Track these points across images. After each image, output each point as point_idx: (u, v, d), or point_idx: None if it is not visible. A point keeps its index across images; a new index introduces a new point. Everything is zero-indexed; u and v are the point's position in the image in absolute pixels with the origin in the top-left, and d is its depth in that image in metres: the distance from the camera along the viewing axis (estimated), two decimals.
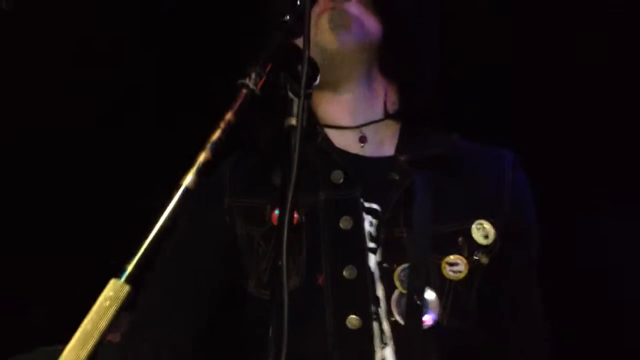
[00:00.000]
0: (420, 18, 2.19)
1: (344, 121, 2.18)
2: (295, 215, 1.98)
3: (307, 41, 1.59)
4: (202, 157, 1.51)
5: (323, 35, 2.05)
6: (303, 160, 1.58)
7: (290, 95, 1.73)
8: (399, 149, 2.16)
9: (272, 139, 2.04)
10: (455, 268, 2.05)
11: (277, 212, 2.03)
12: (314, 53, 1.74)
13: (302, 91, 1.54)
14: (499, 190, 2.13)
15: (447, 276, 2.04)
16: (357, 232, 2.05)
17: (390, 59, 2.16)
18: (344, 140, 2.17)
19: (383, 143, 2.18)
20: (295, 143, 1.55)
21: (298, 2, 1.75)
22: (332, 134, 2.18)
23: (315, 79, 1.71)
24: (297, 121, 1.59)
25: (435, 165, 2.12)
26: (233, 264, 2.11)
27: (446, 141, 2.18)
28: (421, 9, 2.20)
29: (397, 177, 2.09)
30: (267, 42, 1.70)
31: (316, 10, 2.04)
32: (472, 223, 2.08)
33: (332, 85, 2.15)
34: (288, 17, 1.73)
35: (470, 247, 2.07)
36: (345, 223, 2.06)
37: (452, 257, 2.04)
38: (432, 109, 2.20)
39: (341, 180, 2.10)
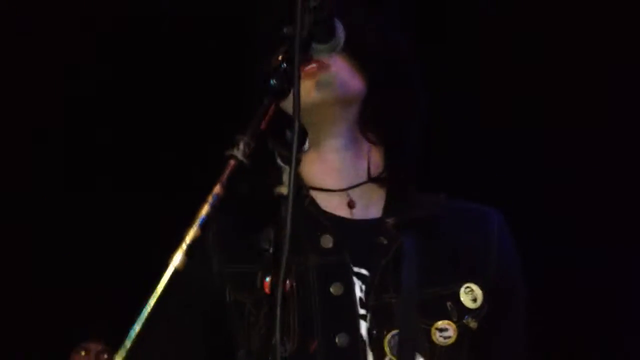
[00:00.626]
0: (405, 78, 2.19)
1: (330, 183, 2.16)
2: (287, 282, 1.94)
3: (297, 109, 1.52)
4: (190, 235, 1.44)
5: (304, 89, 2.00)
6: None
7: (279, 162, 1.69)
8: (385, 211, 2.16)
9: (259, 205, 1.98)
10: (444, 334, 2.06)
11: (268, 279, 2.00)
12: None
13: (293, 161, 1.47)
14: (486, 252, 2.14)
15: (436, 342, 2.05)
16: (348, 298, 2.05)
17: (372, 120, 2.16)
18: (330, 203, 2.15)
19: (370, 205, 2.17)
20: (287, 214, 1.48)
21: (283, 65, 1.71)
22: (318, 196, 2.17)
23: (304, 144, 1.66)
24: (287, 190, 1.53)
25: (423, 228, 2.12)
26: (221, 331, 2.09)
27: (433, 202, 2.18)
28: (407, 69, 2.19)
29: (385, 242, 2.10)
30: (254, 108, 1.65)
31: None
32: (460, 287, 2.09)
33: (316, 144, 2.12)
34: (273, 80, 1.67)
35: (459, 312, 2.08)
36: (336, 289, 2.06)
37: (440, 322, 2.06)
38: (416, 170, 2.20)
39: (330, 245, 2.09)
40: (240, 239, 2.14)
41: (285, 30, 1.79)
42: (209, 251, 2.15)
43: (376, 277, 2.07)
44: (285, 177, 1.63)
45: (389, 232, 2.11)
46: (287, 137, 1.67)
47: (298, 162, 1.63)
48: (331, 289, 2.06)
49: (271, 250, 2.00)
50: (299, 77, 1.62)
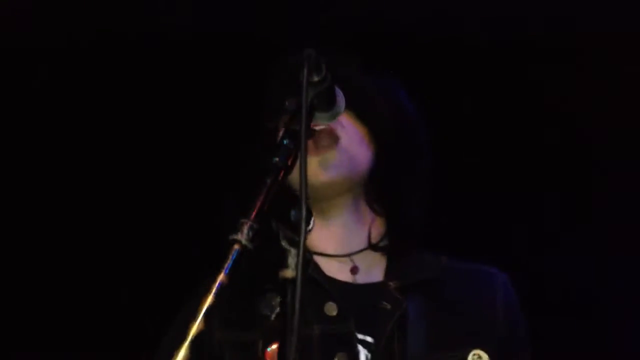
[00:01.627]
0: (414, 145, 2.16)
1: (333, 249, 2.14)
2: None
3: (304, 196, 1.48)
4: (195, 328, 1.40)
5: (310, 169, 1.97)
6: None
7: (284, 244, 1.65)
8: (388, 274, 2.14)
9: (260, 274, 1.95)
10: None
11: (269, 349, 1.98)
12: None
13: (300, 255, 1.42)
14: (492, 315, 2.13)
15: None
16: None
17: (377, 193, 2.15)
18: (333, 268, 2.14)
19: (372, 268, 2.15)
20: (295, 301, 1.44)
21: (285, 142, 1.68)
22: (321, 262, 2.15)
23: (309, 224, 1.63)
24: (294, 273, 1.49)
25: (426, 291, 2.10)
26: None
27: (435, 264, 2.16)
28: (415, 136, 2.17)
29: (388, 307, 2.07)
30: (257, 189, 1.61)
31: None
32: (468, 353, 2.06)
33: (320, 214, 2.11)
34: (277, 159, 1.64)
35: None
36: (341, 358, 2.02)
37: None
38: (419, 236, 2.18)
39: (335, 313, 2.06)
40: (239, 306, 2.09)
41: (287, 103, 1.77)
42: (209, 319, 2.11)
43: (381, 344, 2.04)
44: (290, 260, 1.60)
45: (392, 296, 2.08)
46: (292, 217, 1.63)
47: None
48: (336, 358, 2.02)
49: (273, 317, 1.96)
50: (306, 156, 1.58)
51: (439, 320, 2.07)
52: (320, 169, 2.04)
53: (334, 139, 2.06)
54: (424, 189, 2.19)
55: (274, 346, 1.98)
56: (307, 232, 1.60)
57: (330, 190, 2.07)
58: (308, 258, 2.12)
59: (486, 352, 2.06)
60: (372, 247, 2.15)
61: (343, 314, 2.06)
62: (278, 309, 1.96)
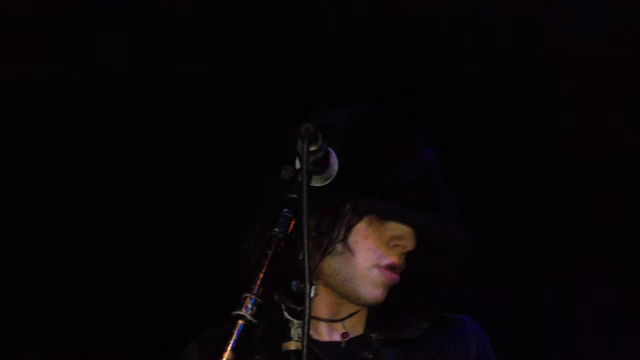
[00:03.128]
0: None
1: (325, 314, 2.10)
2: None
3: (307, 267, 1.48)
4: None
5: None
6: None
7: (286, 315, 1.64)
8: (368, 327, 2.12)
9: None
10: None
11: None
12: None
13: (306, 324, 1.42)
14: None
15: None
16: None
17: None
18: (322, 330, 2.11)
19: (354, 323, 2.13)
20: None
21: (284, 211, 1.68)
22: (312, 324, 2.10)
23: (311, 292, 1.62)
24: (297, 345, 1.49)
25: (405, 345, 2.09)
26: None
27: (414, 325, 2.14)
28: None
29: (370, 356, 2.05)
30: (258, 260, 1.60)
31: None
32: None
33: (315, 281, 2.06)
34: (277, 229, 1.64)
35: None
36: None
37: None
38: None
39: None
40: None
41: (283, 173, 1.77)
42: None
43: None
44: (293, 332, 1.59)
45: (373, 347, 2.08)
46: (294, 287, 1.63)
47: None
48: None
49: None
50: (307, 227, 1.58)
51: None
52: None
53: None
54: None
55: None
56: (310, 300, 1.60)
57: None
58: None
59: None
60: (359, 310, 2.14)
61: None
62: None
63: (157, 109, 3.90)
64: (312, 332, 2.08)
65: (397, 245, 2.04)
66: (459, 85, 3.73)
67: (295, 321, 1.65)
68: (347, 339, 2.11)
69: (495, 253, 3.54)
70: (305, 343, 1.53)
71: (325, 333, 2.11)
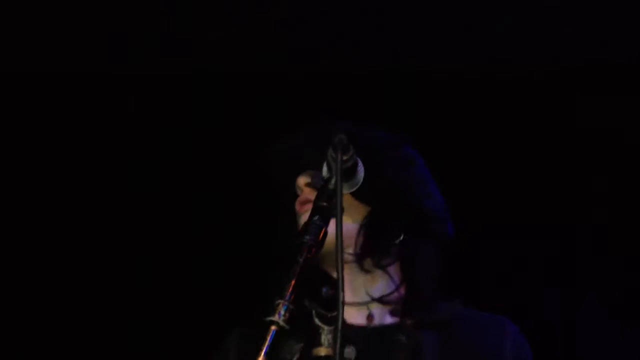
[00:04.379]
0: (422, 218, 2.18)
1: (351, 297, 2.13)
2: None
3: (341, 278, 1.51)
4: None
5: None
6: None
7: (317, 321, 1.66)
8: (403, 315, 2.14)
9: None
10: None
11: None
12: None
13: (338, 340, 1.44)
14: (503, 356, 2.13)
15: None
16: None
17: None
18: (349, 314, 2.11)
19: (387, 312, 2.15)
20: None
21: (315, 219, 1.71)
22: None
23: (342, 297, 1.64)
24: (328, 351, 1.51)
25: (440, 331, 2.12)
26: None
27: (449, 308, 2.17)
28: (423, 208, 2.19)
29: (404, 340, 2.08)
30: (289, 268, 1.64)
31: None
32: None
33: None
34: (308, 237, 1.67)
35: None
36: None
37: None
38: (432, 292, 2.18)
39: (353, 357, 2.04)
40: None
41: (311, 180, 1.79)
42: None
43: None
44: (323, 338, 1.61)
45: (408, 331, 2.10)
46: (324, 294, 1.65)
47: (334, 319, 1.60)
48: None
49: None
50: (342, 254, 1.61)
51: (453, 353, 2.10)
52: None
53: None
54: (437, 253, 2.21)
55: None
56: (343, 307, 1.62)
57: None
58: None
59: None
60: (385, 298, 2.15)
61: (361, 357, 2.06)
62: None
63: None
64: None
65: None
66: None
67: (326, 327, 1.67)
68: (373, 320, 2.14)
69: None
70: (337, 350, 1.56)
71: (354, 317, 2.11)
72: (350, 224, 2.09)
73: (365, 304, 2.12)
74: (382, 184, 2.13)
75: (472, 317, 2.19)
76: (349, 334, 2.06)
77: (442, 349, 2.08)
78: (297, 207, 2.12)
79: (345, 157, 1.78)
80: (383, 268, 2.19)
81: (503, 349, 2.15)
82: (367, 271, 2.13)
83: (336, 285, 1.61)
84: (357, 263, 2.11)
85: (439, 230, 2.24)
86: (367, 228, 2.13)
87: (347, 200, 2.06)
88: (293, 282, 1.63)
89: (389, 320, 2.14)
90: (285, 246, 1.97)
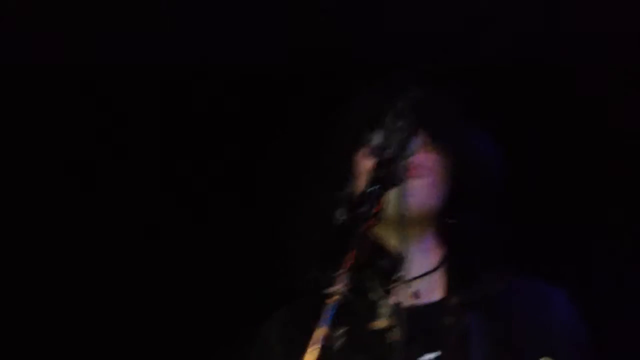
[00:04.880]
0: (486, 185, 2.14)
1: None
2: None
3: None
4: None
5: (397, 202, 1.98)
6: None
7: (372, 295, 1.62)
8: (449, 292, 2.12)
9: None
10: None
11: None
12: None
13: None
14: (551, 330, 2.11)
15: None
16: None
17: (446, 225, 2.13)
18: (398, 290, 2.09)
19: (432, 288, 2.12)
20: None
21: (374, 188, 1.69)
22: None
23: (400, 270, 1.62)
24: (387, 322, 1.49)
25: (487, 307, 2.09)
26: None
27: (496, 280, 2.14)
28: (489, 176, 2.15)
29: (451, 322, 2.06)
30: (350, 239, 1.62)
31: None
32: None
33: (386, 239, 2.06)
34: (366, 206, 1.65)
35: None
36: None
37: None
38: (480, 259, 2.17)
39: (398, 337, 2.01)
40: (303, 333, 2.11)
41: (372, 150, 1.77)
42: (273, 347, 2.11)
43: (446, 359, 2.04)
44: (382, 311, 1.59)
45: (454, 312, 2.08)
46: (384, 265, 1.62)
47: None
48: None
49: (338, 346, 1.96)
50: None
51: (501, 334, 2.07)
52: (406, 200, 2.03)
53: (423, 170, 2.06)
54: (493, 219, 2.17)
55: None
56: (400, 279, 1.60)
57: (413, 220, 2.05)
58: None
59: None
60: (432, 271, 2.13)
61: (407, 337, 2.03)
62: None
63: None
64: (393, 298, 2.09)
65: None
66: None
67: (382, 301, 1.63)
68: (419, 297, 2.11)
69: None
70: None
71: (402, 295, 2.08)
72: (422, 193, 2.08)
73: (414, 279, 2.11)
74: (462, 155, 2.11)
75: (522, 290, 2.16)
76: (396, 311, 2.04)
77: (490, 330, 2.06)
78: (360, 173, 2.08)
79: (406, 124, 1.75)
80: (439, 242, 2.17)
81: (553, 317, 2.13)
82: (422, 244, 2.12)
83: (393, 259, 1.59)
84: (417, 236, 2.10)
85: (496, 205, 2.23)
86: (436, 200, 2.09)
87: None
88: (353, 253, 1.61)
89: (434, 297, 2.12)
90: (343, 218, 1.95)
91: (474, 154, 2.14)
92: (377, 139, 1.89)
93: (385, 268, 1.59)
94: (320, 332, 1.52)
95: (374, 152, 1.80)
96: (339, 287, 1.55)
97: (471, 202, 2.12)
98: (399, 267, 1.62)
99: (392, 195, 1.91)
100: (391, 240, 1.95)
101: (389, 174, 1.77)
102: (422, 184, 2.02)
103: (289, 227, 2.08)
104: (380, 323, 1.59)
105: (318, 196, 2.06)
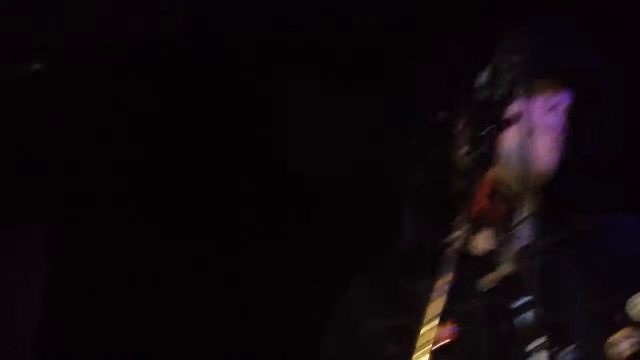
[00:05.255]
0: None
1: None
2: (451, 329, 1.90)
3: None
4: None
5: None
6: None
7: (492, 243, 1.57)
8: (539, 231, 2.06)
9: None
10: (619, 347, 1.95)
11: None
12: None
13: None
14: None
15: (611, 357, 1.94)
16: (516, 333, 1.97)
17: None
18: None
19: (525, 230, 2.07)
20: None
21: (490, 129, 1.65)
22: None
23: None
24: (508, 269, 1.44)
25: (577, 245, 2.05)
26: None
27: (586, 221, 2.09)
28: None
29: (542, 262, 2.00)
30: (468, 183, 1.59)
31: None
32: (624, 300, 1.97)
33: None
34: (483, 148, 1.61)
35: (630, 325, 1.96)
36: (505, 327, 1.97)
37: (615, 336, 1.94)
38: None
39: (492, 285, 2.01)
40: (392, 291, 2.07)
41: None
42: (364, 306, 2.10)
43: (540, 301, 1.97)
44: (503, 259, 1.53)
45: (545, 250, 2.02)
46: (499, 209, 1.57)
47: None
48: (500, 328, 1.98)
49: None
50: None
51: (593, 271, 2.03)
52: (529, 162, 1.98)
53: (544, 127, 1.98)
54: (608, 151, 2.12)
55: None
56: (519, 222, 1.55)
57: (534, 183, 2.00)
58: None
59: None
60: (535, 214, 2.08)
61: (499, 283, 2.01)
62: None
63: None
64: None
65: None
66: None
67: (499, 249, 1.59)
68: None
69: None
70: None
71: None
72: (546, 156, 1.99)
73: (518, 224, 2.06)
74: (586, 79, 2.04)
75: (612, 224, 2.11)
76: (521, 258, 1.99)
77: (581, 267, 2.03)
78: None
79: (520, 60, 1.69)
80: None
81: (627, 249, 2.07)
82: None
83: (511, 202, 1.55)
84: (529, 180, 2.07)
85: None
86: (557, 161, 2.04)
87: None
88: (474, 199, 1.57)
89: (523, 241, 2.10)
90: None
91: (597, 78, 2.09)
92: (485, 77, 1.80)
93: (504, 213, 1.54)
94: (442, 281, 1.49)
95: (484, 91, 1.75)
96: (458, 234, 1.52)
97: (588, 138, 2.09)
98: (517, 212, 1.58)
99: (513, 154, 1.85)
100: (508, 182, 1.89)
101: (501, 115, 1.71)
102: (545, 146, 1.96)
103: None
104: (504, 269, 1.55)
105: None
